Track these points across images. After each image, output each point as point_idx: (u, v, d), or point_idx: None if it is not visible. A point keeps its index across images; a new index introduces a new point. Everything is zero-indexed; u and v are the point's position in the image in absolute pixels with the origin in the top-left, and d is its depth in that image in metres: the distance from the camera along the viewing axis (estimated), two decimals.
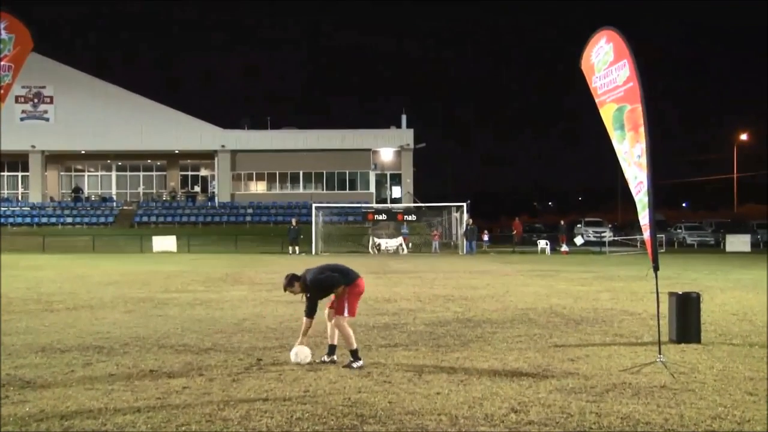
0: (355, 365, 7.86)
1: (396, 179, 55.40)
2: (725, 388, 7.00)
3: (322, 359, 8.24)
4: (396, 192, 55.35)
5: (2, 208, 51.78)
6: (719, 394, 6.80)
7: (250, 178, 56.27)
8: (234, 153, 54.56)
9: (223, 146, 54.03)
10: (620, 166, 8.77)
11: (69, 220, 50.43)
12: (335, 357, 8.25)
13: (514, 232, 44.61)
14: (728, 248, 40.81)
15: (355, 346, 8.07)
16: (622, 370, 7.86)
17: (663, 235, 41.97)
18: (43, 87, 51.88)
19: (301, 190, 55.06)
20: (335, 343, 8.35)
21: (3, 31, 7.43)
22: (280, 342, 9.61)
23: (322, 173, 55.51)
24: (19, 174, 56.37)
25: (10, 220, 49.90)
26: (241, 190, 55.61)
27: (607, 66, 8.71)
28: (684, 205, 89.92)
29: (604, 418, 5.94)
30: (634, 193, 8.52)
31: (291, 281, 8.40)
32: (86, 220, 50.61)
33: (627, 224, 51.96)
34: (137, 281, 19.60)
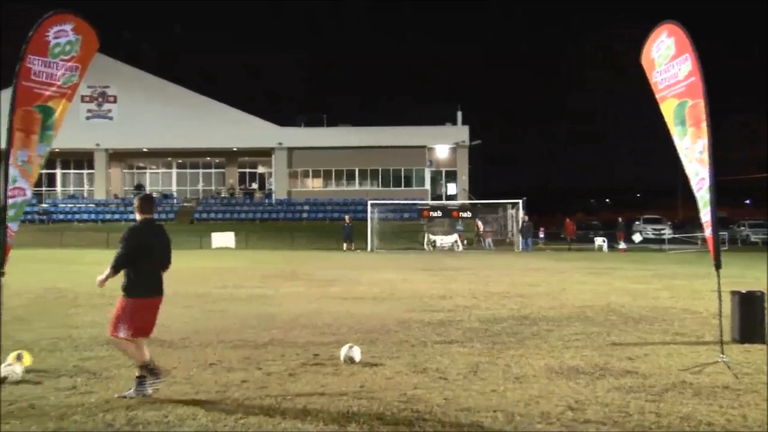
0: (129, 393, 6.44)
1: (451, 176, 55.13)
2: None
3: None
4: (451, 189, 55.11)
5: (69, 205, 53.27)
6: None
7: (306, 175, 56.65)
8: (291, 150, 55.00)
9: (280, 144, 54.52)
10: (681, 162, 8.59)
11: (132, 216, 51.49)
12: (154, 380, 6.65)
13: (567, 231, 43.54)
14: None
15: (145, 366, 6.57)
16: (683, 369, 7.70)
17: (725, 233, 40.90)
18: (107, 86, 53.10)
19: (356, 187, 55.23)
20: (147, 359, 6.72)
21: (70, 33, 7.64)
22: (336, 338, 9.67)
23: (378, 170, 55.57)
24: (85, 172, 57.83)
25: (77, 216, 51.28)
26: (298, 187, 56.04)
27: (669, 60, 8.52)
28: (747, 202, 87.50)
29: (664, 418, 5.83)
30: (695, 190, 8.32)
31: (149, 202, 7.01)
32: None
33: (687, 221, 50.75)
34: (196, 277, 19.95)
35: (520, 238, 38.01)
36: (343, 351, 8.07)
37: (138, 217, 6.89)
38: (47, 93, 7.53)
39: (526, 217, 38.79)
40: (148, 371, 6.59)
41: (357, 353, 8.01)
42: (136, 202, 6.96)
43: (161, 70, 57.66)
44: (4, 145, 7.21)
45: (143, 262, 6.66)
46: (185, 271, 22.31)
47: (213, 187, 59.07)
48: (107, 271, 6.63)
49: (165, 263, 6.96)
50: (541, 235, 42.44)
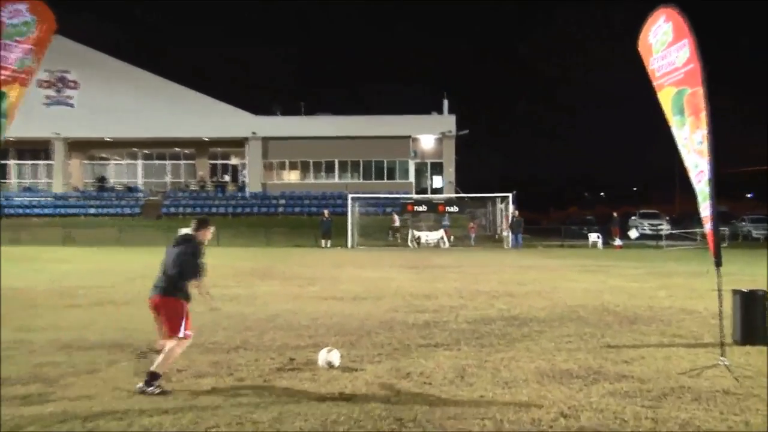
0: (153, 390, 6.91)
1: (437, 168, 55.18)
2: None
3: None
4: (437, 182, 55.17)
5: (24, 199, 52.76)
6: None
7: (282, 166, 56.52)
8: (266, 140, 54.82)
9: (254, 133, 54.30)
10: (679, 153, 8.63)
11: (93, 211, 51.14)
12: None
13: (471, 231, 41.97)
14: None
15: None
16: (681, 372, 7.75)
17: (726, 228, 41.18)
18: (68, 71, 52.60)
19: (336, 180, 55.15)
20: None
21: (25, 13, 7.54)
22: (314, 340, 9.64)
23: (359, 162, 55.53)
24: (42, 162, 57.30)
25: (34, 211, 50.82)
26: (273, 180, 55.87)
27: (666, 47, 8.56)
28: (749, 195, 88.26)
29: (662, 425, 5.86)
30: (694, 183, 8.37)
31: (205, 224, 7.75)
32: (111, 211, 51.31)
33: (686, 216, 51.10)
34: None
35: (510, 234, 38.12)
36: (322, 355, 8.05)
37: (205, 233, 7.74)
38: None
39: (516, 212, 38.87)
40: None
41: (336, 357, 7.99)
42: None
43: (126, 56, 56.71)
44: None
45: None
46: (153, 268, 22.12)
47: (182, 180, 58.79)
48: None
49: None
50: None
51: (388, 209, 46.75)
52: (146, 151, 58.39)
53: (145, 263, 24.81)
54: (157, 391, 6.88)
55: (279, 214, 50.86)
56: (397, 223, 41.45)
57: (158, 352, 7.31)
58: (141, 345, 9.28)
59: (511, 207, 39.58)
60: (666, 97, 8.67)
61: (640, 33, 9.07)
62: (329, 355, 7.99)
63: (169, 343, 7.08)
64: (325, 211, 39.89)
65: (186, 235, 7.66)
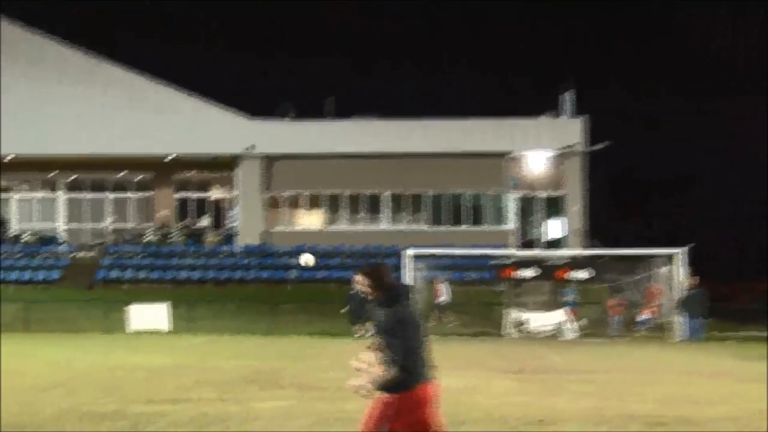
0: None
1: (554, 207, 54.70)
2: None
3: None
4: (554, 229, 54.64)
5: None
6: None
7: (295, 203, 56.21)
8: (269, 160, 54.65)
9: (250, 147, 54.27)
10: None
11: None
12: None
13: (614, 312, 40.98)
14: None
15: None
16: None
17: None
18: None
19: (383, 226, 54.63)
20: None
21: None
22: None
23: (421, 195, 55.15)
24: None
25: None
26: (281, 225, 55.61)
27: None
28: None
29: None
30: None
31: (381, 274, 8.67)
32: (14, 275, 51.44)
33: None
34: (101, 383, 19.88)
35: (683, 317, 37.54)
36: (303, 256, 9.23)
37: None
38: None
39: (694, 281, 38.33)
40: None
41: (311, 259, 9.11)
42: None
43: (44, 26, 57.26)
44: None
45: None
46: (82, 371, 22.19)
47: (131, 224, 58.97)
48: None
49: None
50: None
51: (472, 274, 46.41)
52: (72, 178, 58.57)
53: (67, 362, 24.75)
54: None
55: (290, 281, 50.67)
56: (444, 297, 41.32)
57: None
58: None
59: (682, 272, 39.11)
60: None
61: None
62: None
63: None
64: (359, 278, 39.05)
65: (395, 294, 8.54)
